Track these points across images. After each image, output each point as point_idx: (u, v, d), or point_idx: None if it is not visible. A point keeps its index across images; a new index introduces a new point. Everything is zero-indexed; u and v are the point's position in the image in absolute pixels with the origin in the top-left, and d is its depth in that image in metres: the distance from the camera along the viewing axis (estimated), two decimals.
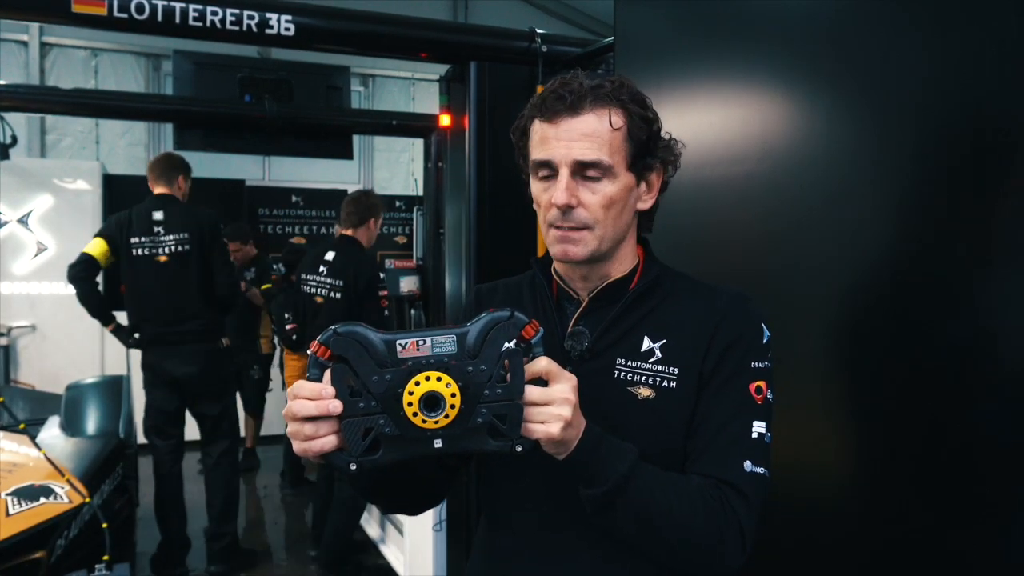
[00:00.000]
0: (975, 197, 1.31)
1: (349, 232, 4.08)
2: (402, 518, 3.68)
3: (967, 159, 1.33)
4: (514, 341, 0.96)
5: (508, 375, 0.95)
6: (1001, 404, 1.26)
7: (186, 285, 3.86)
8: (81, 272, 3.95)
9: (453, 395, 0.92)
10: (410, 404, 0.92)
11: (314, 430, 0.94)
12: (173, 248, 3.85)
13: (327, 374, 0.95)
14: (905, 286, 1.42)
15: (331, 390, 0.94)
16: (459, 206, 3.64)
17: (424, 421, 0.92)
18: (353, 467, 0.95)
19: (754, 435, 1.09)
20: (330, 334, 0.95)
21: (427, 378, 0.92)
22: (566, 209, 1.09)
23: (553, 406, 0.95)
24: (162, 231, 3.84)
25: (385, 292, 4.07)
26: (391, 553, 3.95)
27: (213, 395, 3.99)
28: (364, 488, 1.15)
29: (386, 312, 4.06)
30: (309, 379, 0.96)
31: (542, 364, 0.97)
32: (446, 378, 0.92)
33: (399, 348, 0.94)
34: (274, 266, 6.13)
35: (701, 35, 1.96)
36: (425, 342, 0.94)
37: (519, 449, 0.95)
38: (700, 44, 1.96)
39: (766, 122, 1.71)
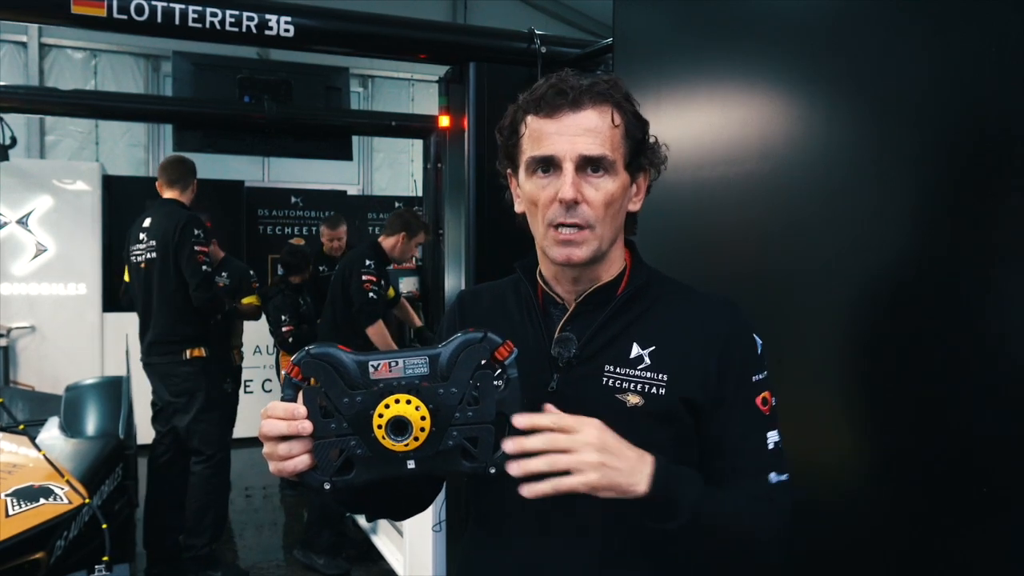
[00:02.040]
0: (976, 197, 1.31)
1: (380, 238, 4.31)
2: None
3: (968, 159, 1.33)
4: (486, 363, 0.96)
5: (479, 398, 0.94)
6: (1004, 404, 1.27)
7: (150, 294, 3.82)
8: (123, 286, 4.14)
9: (423, 418, 0.92)
10: (380, 427, 0.92)
11: (287, 450, 0.94)
12: (147, 255, 3.83)
13: (301, 395, 0.96)
14: (906, 286, 1.43)
15: (303, 410, 0.94)
16: (458, 207, 3.65)
17: (393, 445, 0.92)
18: (327, 487, 0.95)
19: (771, 446, 1.10)
20: (303, 355, 0.96)
21: (397, 401, 0.92)
22: (571, 205, 1.06)
23: (576, 454, 0.93)
24: (145, 238, 3.83)
25: (372, 277, 4.03)
26: (391, 554, 3.95)
27: (177, 408, 3.86)
28: (345, 503, 1.15)
29: (371, 295, 4.00)
30: (283, 399, 0.96)
31: (548, 419, 0.95)
32: (416, 401, 0.92)
33: (371, 369, 0.94)
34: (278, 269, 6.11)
35: (700, 36, 1.96)
36: (397, 363, 0.94)
37: (492, 471, 0.95)
38: (699, 45, 1.96)
39: (766, 122, 1.71)
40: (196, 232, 3.74)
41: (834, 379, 1.59)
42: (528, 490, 0.94)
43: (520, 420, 0.95)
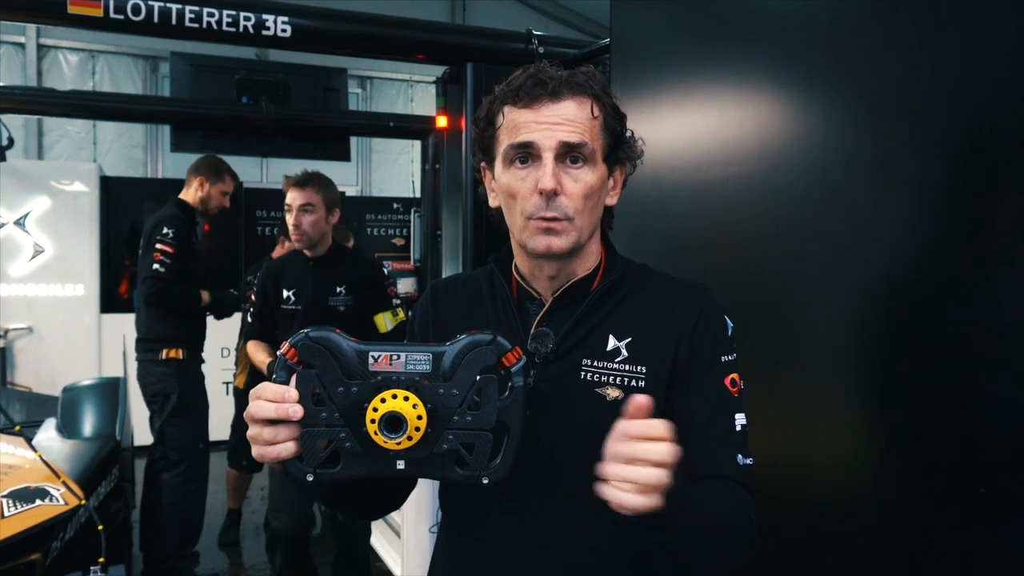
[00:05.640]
0: (974, 197, 1.31)
1: None
2: (399, 519, 3.68)
3: (966, 159, 1.33)
4: (493, 368, 0.91)
5: (481, 403, 0.89)
6: (1005, 404, 1.26)
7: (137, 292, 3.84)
8: None
9: (419, 417, 0.87)
10: (373, 421, 0.87)
11: (272, 435, 0.90)
12: (139, 252, 3.82)
13: (295, 378, 0.91)
14: (905, 286, 1.42)
15: (294, 394, 0.89)
16: (456, 207, 3.65)
17: (385, 442, 0.87)
18: (310, 478, 0.90)
19: (738, 427, 1.08)
20: (301, 337, 0.91)
21: (394, 396, 0.87)
22: (551, 196, 1.04)
23: (655, 470, 0.86)
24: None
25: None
26: (388, 555, 3.94)
27: (152, 409, 3.78)
28: (324, 498, 1.12)
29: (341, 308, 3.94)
30: (275, 381, 0.92)
31: (654, 427, 0.86)
32: (414, 398, 0.88)
33: (371, 360, 0.90)
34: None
35: (698, 36, 1.96)
36: (399, 357, 0.90)
37: (485, 482, 0.90)
38: (697, 45, 1.96)
39: (763, 123, 1.71)
40: (165, 231, 3.64)
41: (833, 379, 1.59)
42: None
43: (635, 409, 0.88)
